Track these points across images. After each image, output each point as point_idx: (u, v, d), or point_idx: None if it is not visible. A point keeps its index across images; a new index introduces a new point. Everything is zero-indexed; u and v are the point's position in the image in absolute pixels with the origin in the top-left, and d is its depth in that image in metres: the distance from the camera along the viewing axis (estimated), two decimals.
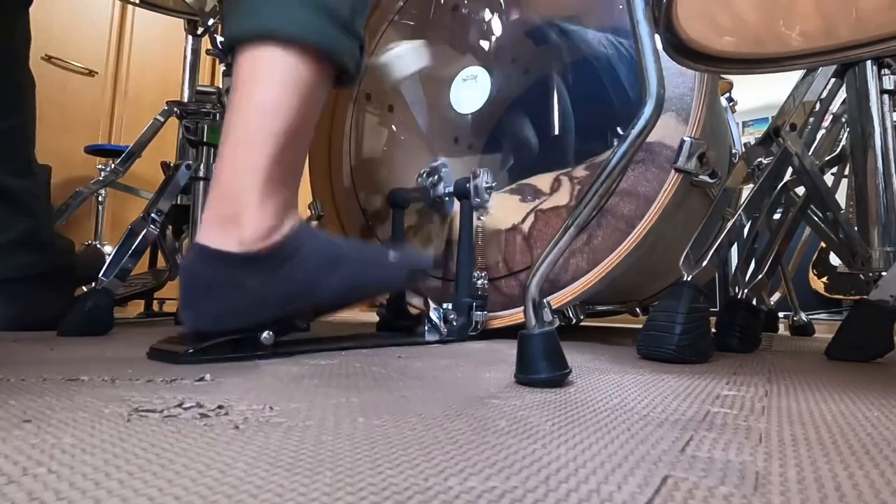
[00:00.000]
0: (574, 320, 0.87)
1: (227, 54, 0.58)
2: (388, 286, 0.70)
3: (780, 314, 1.49)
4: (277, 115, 0.54)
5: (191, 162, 1.05)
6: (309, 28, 0.55)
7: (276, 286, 0.55)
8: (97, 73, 2.15)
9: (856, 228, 0.83)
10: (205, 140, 1.07)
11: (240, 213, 0.53)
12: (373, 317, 0.90)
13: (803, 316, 1.34)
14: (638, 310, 1.17)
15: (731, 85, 1.48)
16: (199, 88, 1.12)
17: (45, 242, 0.86)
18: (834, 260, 2.26)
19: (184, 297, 0.54)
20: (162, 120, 1.20)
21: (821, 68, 0.84)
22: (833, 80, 0.86)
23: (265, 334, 0.56)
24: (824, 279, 2.31)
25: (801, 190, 0.92)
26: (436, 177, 0.91)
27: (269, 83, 0.55)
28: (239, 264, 0.53)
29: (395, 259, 0.71)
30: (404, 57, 0.95)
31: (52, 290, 0.85)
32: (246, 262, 0.53)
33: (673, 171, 0.77)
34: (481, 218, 0.88)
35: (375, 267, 0.67)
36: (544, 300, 0.45)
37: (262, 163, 0.54)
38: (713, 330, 0.73)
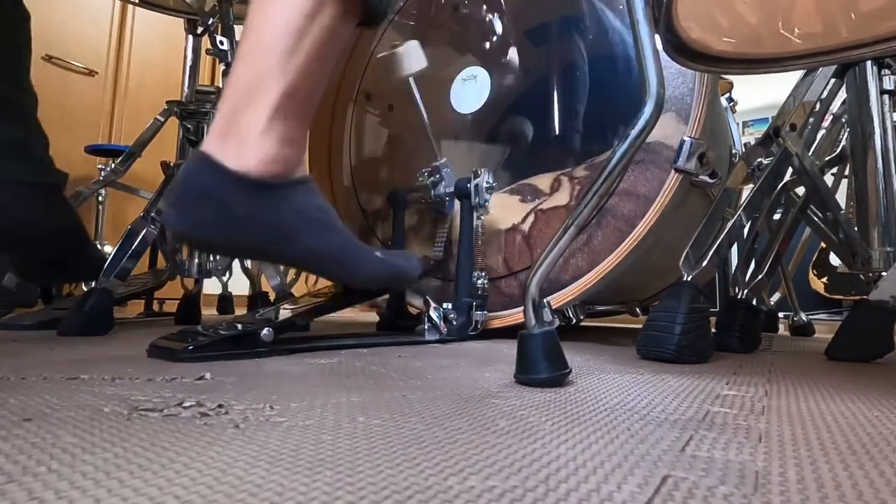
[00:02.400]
0: (574, 320, 0.87)
1: None
2: (366, 279, 0.68)
3: (780, 314, 1.49)
4: (293, 32, 0.53)
5: None
6: None
7: (259, 218, 0.54)
8: (97, 73, 2.15)
9: (856, 228, 0.83)
10: None
11: (244, 132, 0.53)
12: (373, 316, 0.90)
13: (803, 316, 1.34)
14: (638, 310, 1.17)
15: (731, 85, 1.48)
16: (199, 88, 1.12)
17: (35, 157, 0.82)
18: (834, 260, 2.26)
19: (172, 198, 0.53)
20: (162, 120, 1.20)
21: (821, 68, 0.84)
22: (833, 80, 0.86)
23: (265, 331, 0.56)
24: (824, 279, 2.31)
25: (801, 190, 0.92)
26: (437, 176, 0.91)
27: (289, 4, 0.54)
28: (233, 182, 0.52)
29: (382, 257, 0.70)
30: (413, 53, 0.95)
31: (32, 201, 0.80)
32: (239, 183, 0.53)
33: (673, 171, 0.77)
34: (481, 217, 0.88)
35: (358, 255, 0.66)
36: (544, 300, 0.45)
37: (272, 83, 0.53)
38: (713, 330, 0.73)
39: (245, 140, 0.53)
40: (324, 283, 0.82)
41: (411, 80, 0.95)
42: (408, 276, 0.75)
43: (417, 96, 0.95)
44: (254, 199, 0.54)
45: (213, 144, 0.53)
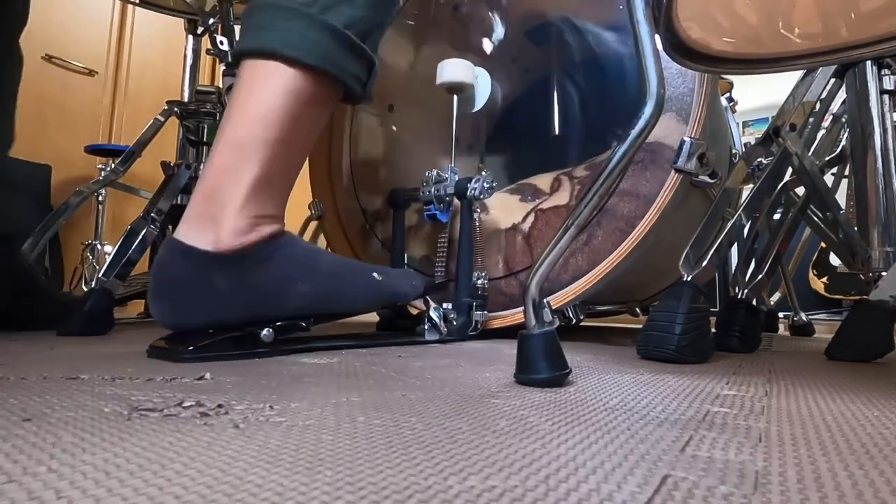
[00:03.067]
0: (574, 320, 0.86)
1: (234, 66, 0.59)
2: (358, 308, 0.69)
3: (780, 314, 1.49)
4: (270, 124, 0.55)
5: (191, 162, 1.05)
6: (313, 50, 0.56)
7: (244, 288, 0.55)
8: (97, 72, 2.15)
9: (856, 228, 0.83)
10: (205, 140, 1.07)
11: (219, 213, 0.54)
12: (373, 316, 0.90)
13: (803, 316, 1.34)
14: (638, 310, 1.17)
15: (731, 85, 1.48)
16: (199, 88, 1.12)
17: None
18: (834, 260, 2.26)
19: (153, 291, 0.54)
20: (162, 120, 1.20)
21: (821, 68, 0.84)
22: (833, 80, 0.86)
23: (265, 332, 0.56)
24: (824, 279, 2.31)
25: (801, 190, 0.92)
26: (446, 180, 0.91)
27: (266, 93, 0.55)
28: (209, 262, 0.53)
29: (379, 279, 0.70)
30: (459, 68, 0.95)
31: None
32: (216, 262, 0.53)
33: (673, 171, 0.77)
34: (479, 215, 0.88)
35: (351, 286, 0.66)
36: (544, 300, 0.45)
37: (249, 168, 0.54)
38: (713, 330, 0.73)
39: (219, 219, 0.54)
40: None
41: (454, 97, 0.95)
42: (406, 298, 0.75)
43: (454, 110, 0.95)
44: (234, 272, 0.54)
45: (185, 231, 0.54)
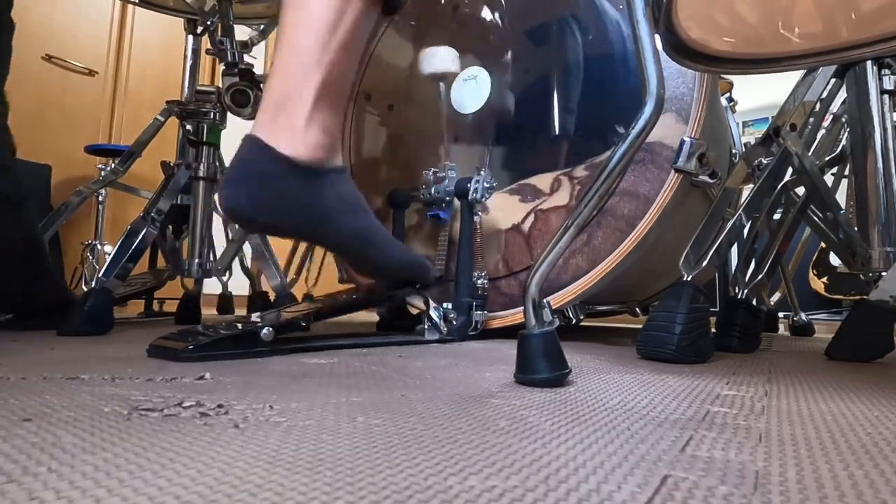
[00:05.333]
0: (574, 320, 0.86)
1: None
2: (390, 264, 0.72)
3: (780, 314, 1.49)
4: (327, 30, 0.58)
5: (191, 162, 1.05)
6: None
7: (306, 200, 0.59)
8: (97, 73, 2.15)
9: (856, 228, 0.83)
10: (205, 140, 1.07)
11: (293, 121, 0.58)
12: (373, 316, 0.90)
13: (803, 316, 1.34)
14: (638, 310, 1.17)
15: (731, 85, 1.48)
16: (199, 88, 1.12)
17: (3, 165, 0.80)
18: (834, 260, 2.26)
19: (228, 177, 0.57)
20: (162, 120, 1.20)
21: (821, 68, 0.84)
22: (833, 80, 0.86)
23: (265, 331, 0.57)
24: (824, 279, 2.31)
25: (801, 190, 0.92)
26: (445, 180, 0.91)
27: (319, 3, 0.58)
28: (286, 165, 0.57)
29: (405, 250, 0.75)
30: (443, 55, 0.96)
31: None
32: (292, 167, 0.57)
33: (673, 171, 0.77)
34: (479, 215, 0.88)
35: (387, 237, 0.71)
36: (544, 300, 0.45)
37: (313, 75, 0.58)
38: (713, 330, 0.72)
39: (294, 127, 0.58)
40: (329, 286, 0.82)
41: (440, 83, 0.96)
42: (428, 271, 0.78)
43: (440, 99, 0.96)
44: (301, 182, 0.58)
45: (265, 131, 0.58)
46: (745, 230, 0.82)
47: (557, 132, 0.94)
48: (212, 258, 1.11)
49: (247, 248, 1.30)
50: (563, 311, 0.85)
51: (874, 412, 0.37)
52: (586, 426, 0.30)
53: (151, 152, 1.25)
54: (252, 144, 0.57)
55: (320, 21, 0.58)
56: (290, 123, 0.57)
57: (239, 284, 1.51)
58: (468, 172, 0.91)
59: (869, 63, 0.84)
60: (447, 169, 0.90)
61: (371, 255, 0.69)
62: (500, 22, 1.03)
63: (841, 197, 1.01)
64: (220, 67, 1.04)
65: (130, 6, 2.07)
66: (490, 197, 0.89)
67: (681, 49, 0.54)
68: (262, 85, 0.98)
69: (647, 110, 0.47)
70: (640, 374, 0.51)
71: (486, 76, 1.00)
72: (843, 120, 1.07)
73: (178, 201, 1.08)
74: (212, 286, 1.39)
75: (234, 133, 0.86)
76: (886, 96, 0.83)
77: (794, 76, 0.87)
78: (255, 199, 0.57)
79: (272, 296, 1.25)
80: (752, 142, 0.88)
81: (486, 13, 1.04)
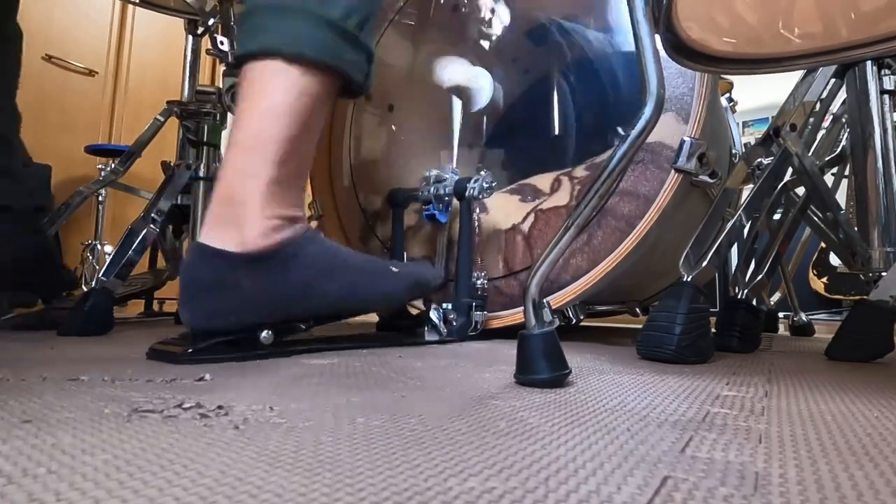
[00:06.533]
0: (574, 320, 0.86)
1: (236, 68, 0.60)
2: (388, 299, 0.71)
3: (780, 314, 1.49)
4: (279, 121, 0.56)
5: (191, 162, 1.05)
6: (312, 44, 0.56)
7: (272, 288, 0.56)
8: (97, 73, 2.15)
9: (856, 228, 0.82)
10: (205, 140, 1.07)
11: (241, 215, 0.54)
12: (373, 317, 0.90)
13: (803, 316, 1.34)
14: (638, 310, 1.17)
15: (731, 85, 1.48)
16: (199, 88, 1.12)
17: (15, 177, 0.84)
18: (834, 260, 2.26)
19: (182, 295, 0.54)
20: (162, 120, 1.20)
21: (821, 68, 0.84)
22: (833, 80, 0.86)
23: (264, 333, 0.56)
24: (824, 279, 2.31)
25: (801, 190, 0.92)
26: (445, 180, 0.91)
27: (272, 92, 0.56)
28: (236, 264, 0.53)
29: (398, 271, 0.71)
30: (457, 68, 0.96)
31: (6, 224, 0.81)
32: (243, 263, 0.54)
33: (673, 171, 0.77)
34: (479, 215, 0.88)
35: (376, 277, 0.68)
36: (544, 300, 0.45)
37: (264, 167, 0.55)
38: (713, 330, 0.72)
39: (241, 221, 0.54)
40: None
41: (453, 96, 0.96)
42: (428, 283, 0.77)
43: (451, 109, 0.96)
44: (261, 273, 0.55)
45: (209, 234, 0.54)
46: (745, 230, 0.82)
47: (557, 132, 0.94)
48: None
49: None
50: (563, 311, 0.85)
51: (874, 412, 0.37)
52: (586, 427, 0.30)
53: (151, 152, 1.25)
54: (198, 252, 0.55)
55: (273, 110, 0.55)
56: (238, 217, 0.54)
57: None
58: (468, 172, 0.91)
59: (869, 63, 0.84)
60: (447, 169, 0.90)
61: (370, 300, 0.67)
62: (499, 22, 1.03)
63: (841, 197, 1.01)
64: (221, 67, 1.04)
65: (130, 6, 2.08)
66: (490, 196, 0.89)
67: (681, 49, 0.53)
68: None
69: (648, 110, 0.47)
70: (640, 375, 0.51)
71: (486, 76, 1.00)
72: (843, 120, 1.07)
73: (178, 201, 1.08)
74: None
75: None
76: (886, 96, 0.83)
77: (794, 76, 0.87)
78: (212, 308, 0.53)
79: None
80: (752, 142, 0.88)
81: (486, 14, 1.04)
